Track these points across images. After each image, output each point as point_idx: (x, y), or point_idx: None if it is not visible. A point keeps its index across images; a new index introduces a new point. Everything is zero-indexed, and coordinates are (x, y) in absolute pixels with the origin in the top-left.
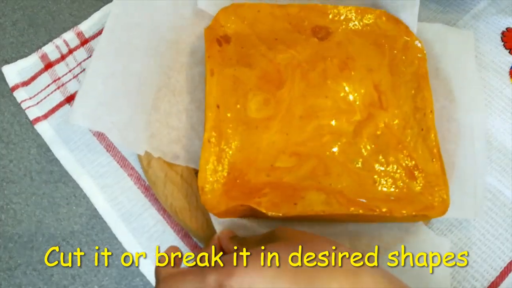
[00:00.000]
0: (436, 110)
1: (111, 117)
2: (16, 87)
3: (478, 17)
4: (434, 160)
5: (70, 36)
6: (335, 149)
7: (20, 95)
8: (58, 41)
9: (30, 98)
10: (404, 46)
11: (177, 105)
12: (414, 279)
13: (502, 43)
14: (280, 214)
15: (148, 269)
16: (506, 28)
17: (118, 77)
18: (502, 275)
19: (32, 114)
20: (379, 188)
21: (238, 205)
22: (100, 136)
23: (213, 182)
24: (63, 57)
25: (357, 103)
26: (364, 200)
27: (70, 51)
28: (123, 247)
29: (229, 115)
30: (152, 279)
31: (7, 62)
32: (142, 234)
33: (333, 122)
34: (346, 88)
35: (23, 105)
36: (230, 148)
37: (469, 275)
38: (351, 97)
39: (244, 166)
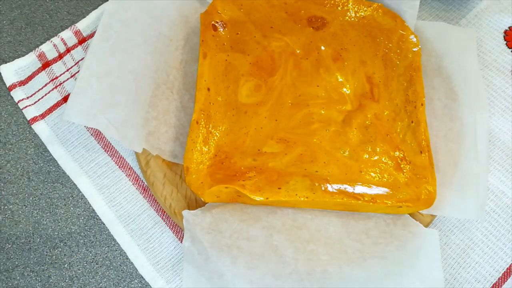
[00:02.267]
0: (439, 109)
1: (106, 114)
2: (13, 86)
3: (480, 16)
4: (422, 152)
5: (67, 35)
6: (323, 137)
7: (17, 94)
8: (55, 39)
9: (27, 98)
10: (399, 40)
11: (175, 102)
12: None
13: (505, 42)
14: (263, 198)
15: (146, 271)
16: (509, 27)
17: (114, 74)
18: (504, 277)
19: (29, 113)
20: (365, 178)
21: (223, 187)
22: (98, 136)
23: (198, 163)
24: (60, 56)
25: (349, 93)
26: (348, 188)
27: (68, 50)
28: (121, 249)
29: (219, 99)
30: (151, 282)
31: (4, 61)
32: (141, 235)
33: (323, 111)
34: (339, 79)
35: (20, 105)
36: (218, 131)
37: (471, 277)
38: (342, 88)
39: (231, 149)
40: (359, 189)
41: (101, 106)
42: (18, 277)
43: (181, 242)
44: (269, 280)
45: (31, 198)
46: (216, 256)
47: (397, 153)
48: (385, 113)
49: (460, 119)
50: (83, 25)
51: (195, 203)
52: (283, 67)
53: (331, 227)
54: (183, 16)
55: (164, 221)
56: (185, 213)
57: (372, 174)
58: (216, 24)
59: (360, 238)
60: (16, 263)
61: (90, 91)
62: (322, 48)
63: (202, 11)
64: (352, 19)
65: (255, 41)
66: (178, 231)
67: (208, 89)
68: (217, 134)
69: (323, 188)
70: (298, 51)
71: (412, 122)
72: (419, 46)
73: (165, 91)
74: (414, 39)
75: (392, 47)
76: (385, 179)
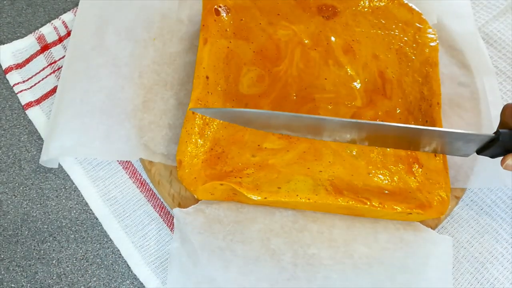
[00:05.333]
0: (446, 78)
1: (82, 139)
2: (9, 69)
3: None
4: (436, 155)
5: (69, 18)
6: None
7: (13, 78)
8: (56, 22)
9: (23, 82)
10: (415, 34)
11: (171, 100)
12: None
13: None
14: (261, 198)
15: (140, 270)
16: None
17: (84, 98)
18: None
19: (24, 98)
20: (373, 180)
21: (218, 183)
22: None
23: (192, 156)
24: (60, 40)
25: (359, 88)
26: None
27: (69, 33)
28: (114, 246)
29: (219, 88)
30: (145, 281)
31: (3, 42)
32: (136, 232)
33: (330, 106)
34: (349, 72)
35: (16, 89)
36: (216, 123)
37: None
38: (352, 82)
39: (229, 143)
40: (366, 192)
41: (76, 134)
42: (2, 271)
43: None
44: (264, 286)
45: (21, 188)
46: (206, 258)
47: (409, 154)
48: (398, 111)
49: (469, 85)
50: None
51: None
52: (289, 57)
53: (335, 230)
54: (161, 15)
55: (161, 217)
56: (176, 211)
57: (380, 176)
58: (219, 9)
59: (367, 242)
60: (2, 256)
61: (64, 124)
62: (332, 38)
63: (181, 8)
64: (366, 9)
65: (260, 28)
66: None
67: (207, 77)
68: (214, 126)
69: (327, 190)
70: (306, 41)
71: (426, 121)
72: (437, 41)
73: (159, 91)
74: (432, 33)
75: (408, 41)
76: (395, 183)
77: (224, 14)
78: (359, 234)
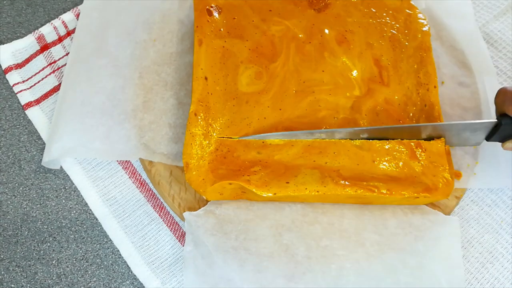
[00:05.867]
0: (447, 78)
1: (82, 140)
2: (9, 69)
3: None
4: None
5: (69, 18)
6: (331, 126)
7: (12, 78)
8: (56, 22)
9: (23, 82)
10: (406, 20)
11: (171, 99)
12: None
13: None
14: (271, 194)
15: (140, 270)
16: None
17: (86, 100)
18: None
19: (24, 98)
20: (379, 168)
21: (226, 183)
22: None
23: (199, 158)
24: (60, 39)
25: (356, 78)
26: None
27: (69, 33)
28: (114, 246)
29: (218, 88)
30: (145, 282)
31: (2, 42)
32: (135, 232)
33: (330, 98)
34: (345, 62)
35: (15, 89)
36: (218, 123)
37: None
38: (349, 72)
39: (233, 142)
40: (373, 180)
41: (76, 135)
42: (2, 272)
43: (179, 241)
44: (281, 282)
45: (21, 188)
46: (222, 259)
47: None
48: (396, 97)
49: (470, 86)
50: None
51: (205, 201)
52: (284, 52)
53: (345, 220)
54: (161, 16)
55: (161, 218)
56: (187, 214)
57: (385, 163)
58: (211, 9)
59: (378, 230)
60: (2, 256)
61: (64, 125)
62: (326, 31)
63: (181, 9)
64: None
65: (253, 25)
66: (176, 229)
67: (206, 78)
68: (218, 127)
69: (334, 181)
70: (300, 35)
71: (425, 105)
72: (428, 26)
73: (158, 92)
74: (423, 19)
75: (400, 28)
76: (399, 169)
77: (216, 14)
78: (369, 222)
